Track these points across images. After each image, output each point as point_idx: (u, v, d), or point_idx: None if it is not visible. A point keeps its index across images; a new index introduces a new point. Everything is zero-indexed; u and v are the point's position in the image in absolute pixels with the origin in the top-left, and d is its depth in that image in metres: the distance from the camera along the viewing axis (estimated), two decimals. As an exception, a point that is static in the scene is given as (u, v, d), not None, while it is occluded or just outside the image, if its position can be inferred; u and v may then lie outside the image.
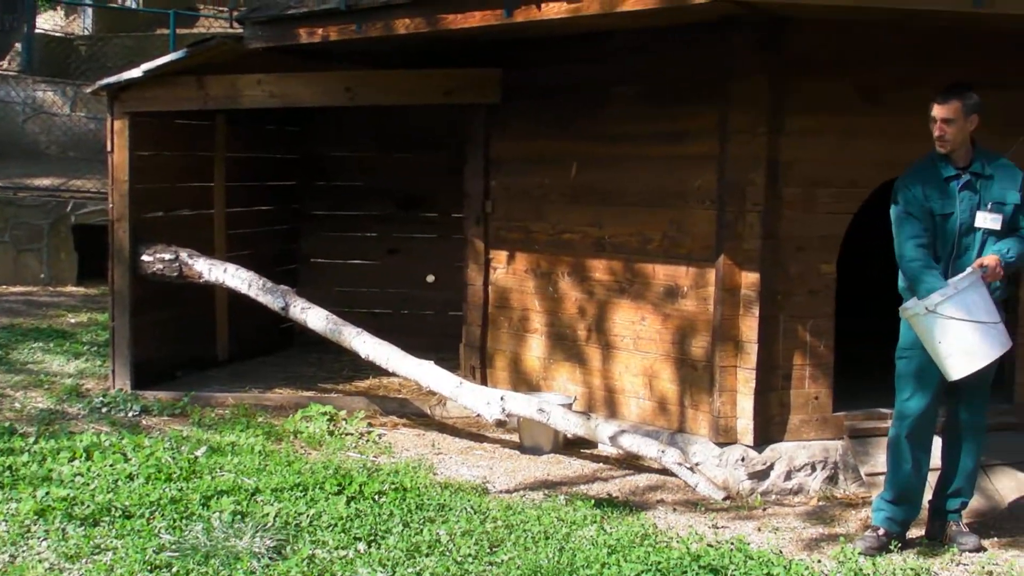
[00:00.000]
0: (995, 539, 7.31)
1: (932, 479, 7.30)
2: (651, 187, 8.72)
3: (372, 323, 10.83)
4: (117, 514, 6.88)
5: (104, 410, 9.61)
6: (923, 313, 6.62)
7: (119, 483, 7.44)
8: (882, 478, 7.34)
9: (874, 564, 6.61)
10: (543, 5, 7.75)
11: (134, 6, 23.15)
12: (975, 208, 6.87)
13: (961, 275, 6.69)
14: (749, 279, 8.04)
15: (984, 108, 6.89)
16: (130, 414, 9.53)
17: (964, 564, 6.84)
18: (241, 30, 9.79)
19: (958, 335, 6.61)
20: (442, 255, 12.46)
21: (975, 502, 7.52)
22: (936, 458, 7.25)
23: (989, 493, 7.90)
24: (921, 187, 6.91)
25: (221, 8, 23.19)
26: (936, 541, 7.20)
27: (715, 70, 8.17)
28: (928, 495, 7.31)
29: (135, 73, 10.03)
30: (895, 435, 7.10)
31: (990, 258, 6.74)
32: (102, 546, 6.46)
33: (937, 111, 6.85)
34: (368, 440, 9.12)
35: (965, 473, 7.18)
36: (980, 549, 7.02)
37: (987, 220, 6.86)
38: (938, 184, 6.90)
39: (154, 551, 6.29)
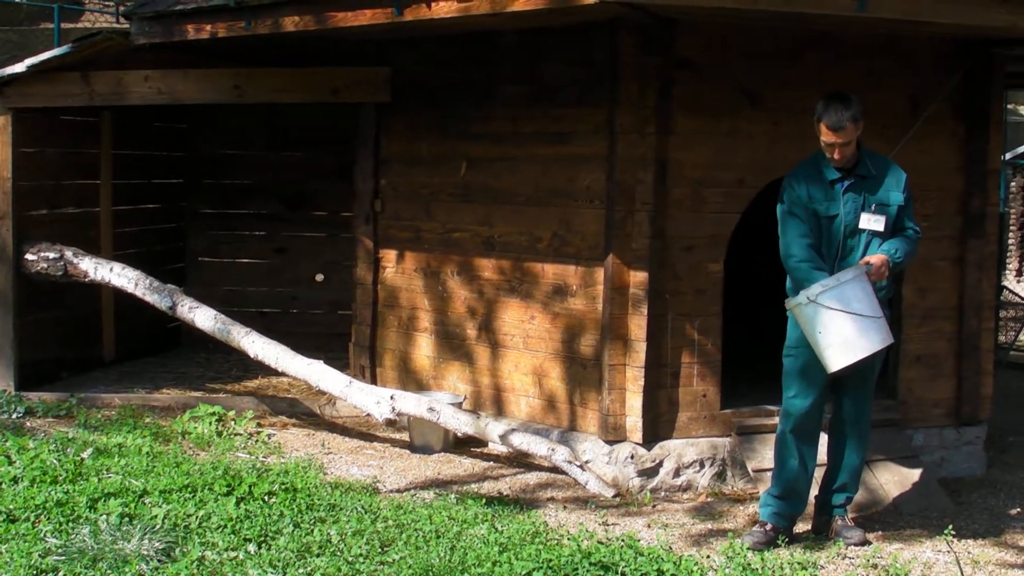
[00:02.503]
0: (879, 532, 7.45)
1: (819, 474, 7.42)
2: (540, 187, 8.75)
3: (260, 322, 10.79)
4: (1, 518, 6.75)
5: (-13, 412, 9.47)
6: (805, 303, 6.71)
7: (3, 486, 7.31)
8: (769, 474, 7.44)
9: (762, 558, 6.70)
10: (433, 4, 7.75)
11: (17, -1, 22.76)
12: (859, 210, 6.96)
13: (846, 269, 6.81)
14: (638, 278, 8.10)
15: (863, 110, 7.00)
16: (14, 416, 9.38)
17: (850, 558, 6.95)
18: (128, 25, 9.68)
19: (837, 327, 6.69)
20: (331, 254, 12.45)
21: (860, 497, 7.67)
22: (823, 454, 7.37)
23: (873, 488, 8.04)
24: (806, 187, 7.01)
25: (107, 2, 22.89)
26: (822, 535, 7.32)
27: (603, 71, 8.23)
28: (815, 490, 7.43)
29: (19, 68, 9.88)
30: (781, 431, 7.21)
31: (877, 257, 6.84)
32: (-14, 550, 6.36)
33: (834, 137, 6.88)
34: (258, 440, 9.06)
35: (850, 469, 7.30)
36: (865, 543, 7.14)
37: (871, 221, 6.95)
38: (823, 186, 7.00)
39: (40, 555, 6.18)
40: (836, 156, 6.93)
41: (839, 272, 6.82)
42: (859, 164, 7.02)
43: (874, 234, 6.98)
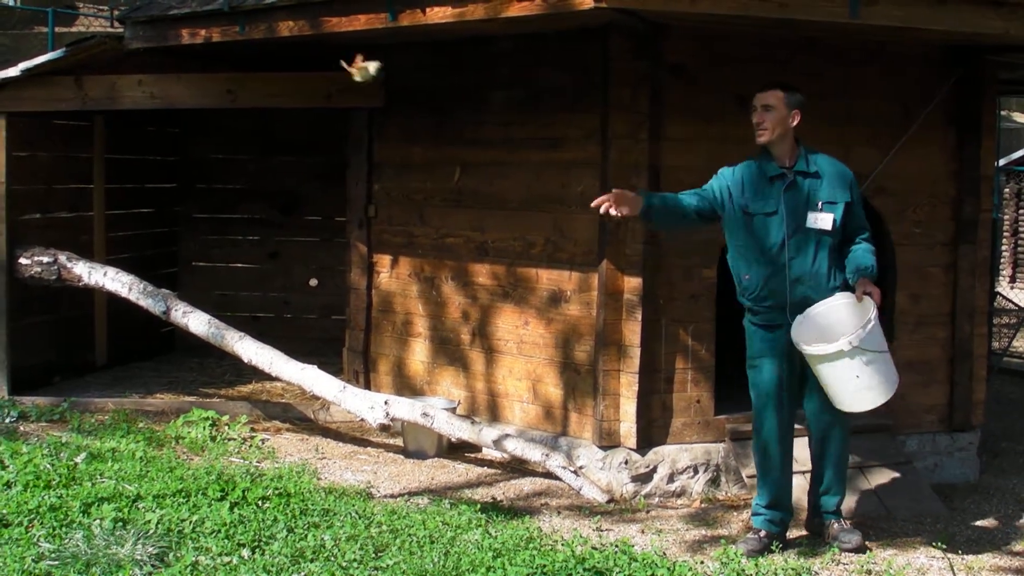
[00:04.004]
0: (873, 538, 7.45)
1: (808, 477, 7.43)
2: (533, 192, 8.75)
3: (254, 327, 10.78)
4: (-6, 522, 6.78)
5: (-21, 416, 9.46)
6: (847, 349, 6.61)
7: (-4, 491, 7.33)
8: (762, 480, 7.44)
9: (756, 565, 6.70)
10: (428, 9, 7.75)
11: (11, 3, 22.73)
12: (803, 208, 6.93)
13: (866, 311, 6.72)
14: (632, 284, 8.10)
15: (806, 107, 7.04)
16: (7, 420, 9.36)
17: (844, 563, 6.95)
18: (122, 29, 9.67)
19: (874, 369, 6.68)
20: (324, 259, 12.45)
21: (853, 502, 7.68)
22: (806, 458, 7.37)
23: (866, 494, 8.05)
24: (741, 178, 7.03)
25: (101, 7, 22.87)
26: (818, 537, 7.29)
27: (596, 76, 8.24)
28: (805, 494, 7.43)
29: (12, 72, 9.88)
30: (756, 443, 7.21)
31: (872, 287, 6.81)
32: (-21, 555, 6.35)
33: (758, 98, 6.96)
34: (251, 445, 9.05)
35: (833, 471, 7.26)
36: (861, 548, 7.10)
37: (818, 220, 6.91)
38: (760, 183, 6.98)
39: (33, 560, 6.18)
40: (755, 119, 6.96)
41: (833, 300, 6.85)
42: (798, 161, 6.99)
43: (822, 233, 6.93)
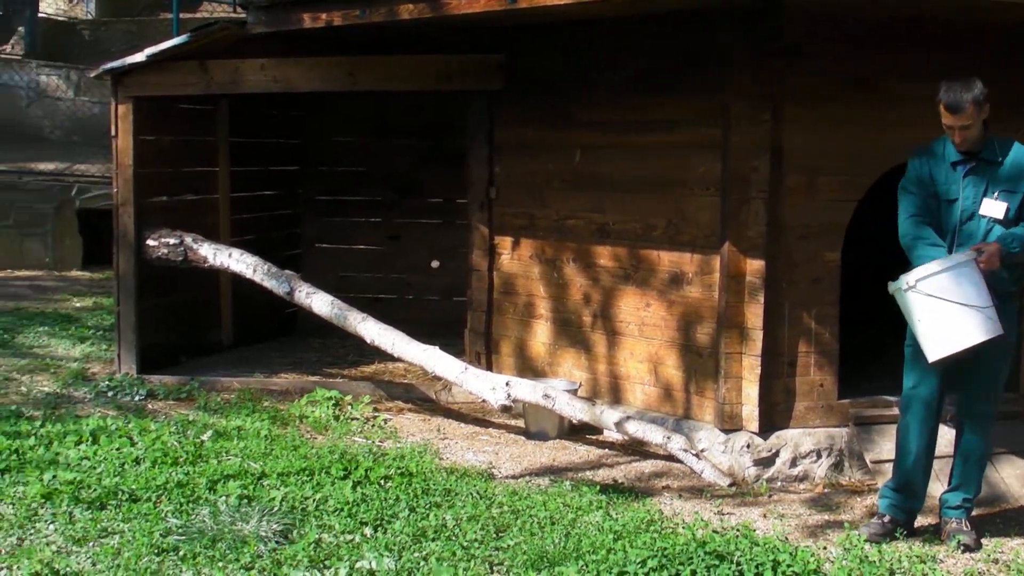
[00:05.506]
0: (1000, 527, 7.32)
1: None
2: (653, 174, 8.71)
3: (374, 308, 10.82)
4: (124, 498, 6.91)
5: (110, 394, 9.62)
6: (904, 288, 6.54)
7: (126, 467, 7.48)
8: (887, 465, 7.34)
9: (879, 550, 6.62)
10: (546, -10, 7.76)
11: (137, -10, 23.13)
12: (981, 195, 6.76)
13: (956, 260, 6.57)
14: (754, 266, 8.04)
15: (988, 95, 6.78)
16: (136, 398, 9.54)
17: (971, 551, 6.81)
18: (244, 15, 9.78)
19: (937, 316, 6.50)
20: (444, 241, 12.47)
21: (981, 491, 7.49)
22: (949, 448, 7.21)
23: (994, 482, 7.90)
24: (928, 167, 6.84)
25: (225, -9, 23.16)
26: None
27: (714, 58, 8.18)
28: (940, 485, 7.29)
29: (139, 57, 10.02)
30: (900, 423, 7.09)
31: (990, 245, 6.62)
32: (109, 529, 6.50)
33: (952, 119, 6.66)
34: (374, 425, 9.13)
35: (967, 466, 7.06)
36: (973, 548, 6.87)
37: (991, 208, 6.72)
38: (943, 169, 6.82)
39: (161, 535, 6.32)
40: (957, 139, 6.73)
41: (950, 257, 6.67)
42: (985, 148, 6.79)
43: (994, 221, 6.74)
